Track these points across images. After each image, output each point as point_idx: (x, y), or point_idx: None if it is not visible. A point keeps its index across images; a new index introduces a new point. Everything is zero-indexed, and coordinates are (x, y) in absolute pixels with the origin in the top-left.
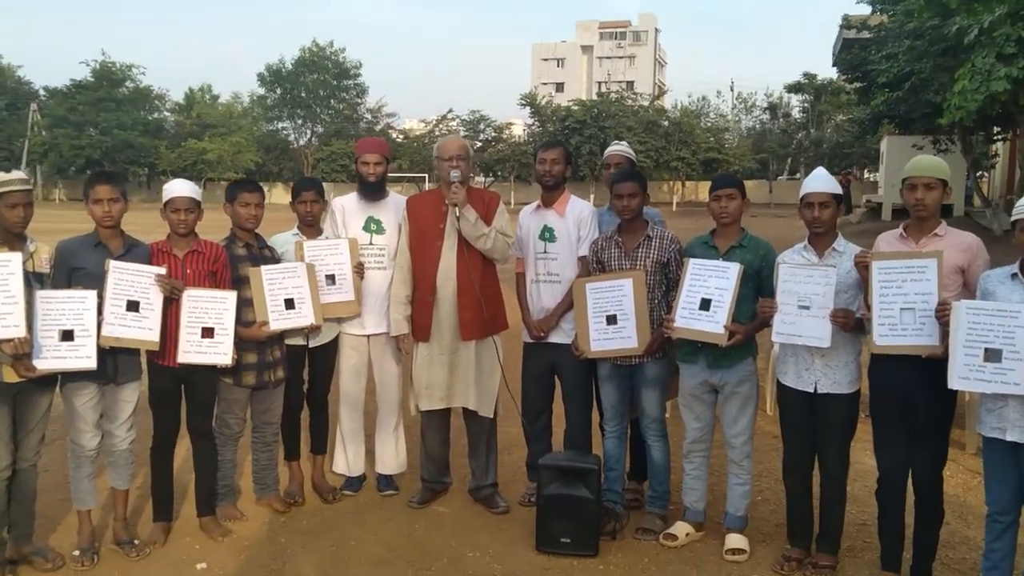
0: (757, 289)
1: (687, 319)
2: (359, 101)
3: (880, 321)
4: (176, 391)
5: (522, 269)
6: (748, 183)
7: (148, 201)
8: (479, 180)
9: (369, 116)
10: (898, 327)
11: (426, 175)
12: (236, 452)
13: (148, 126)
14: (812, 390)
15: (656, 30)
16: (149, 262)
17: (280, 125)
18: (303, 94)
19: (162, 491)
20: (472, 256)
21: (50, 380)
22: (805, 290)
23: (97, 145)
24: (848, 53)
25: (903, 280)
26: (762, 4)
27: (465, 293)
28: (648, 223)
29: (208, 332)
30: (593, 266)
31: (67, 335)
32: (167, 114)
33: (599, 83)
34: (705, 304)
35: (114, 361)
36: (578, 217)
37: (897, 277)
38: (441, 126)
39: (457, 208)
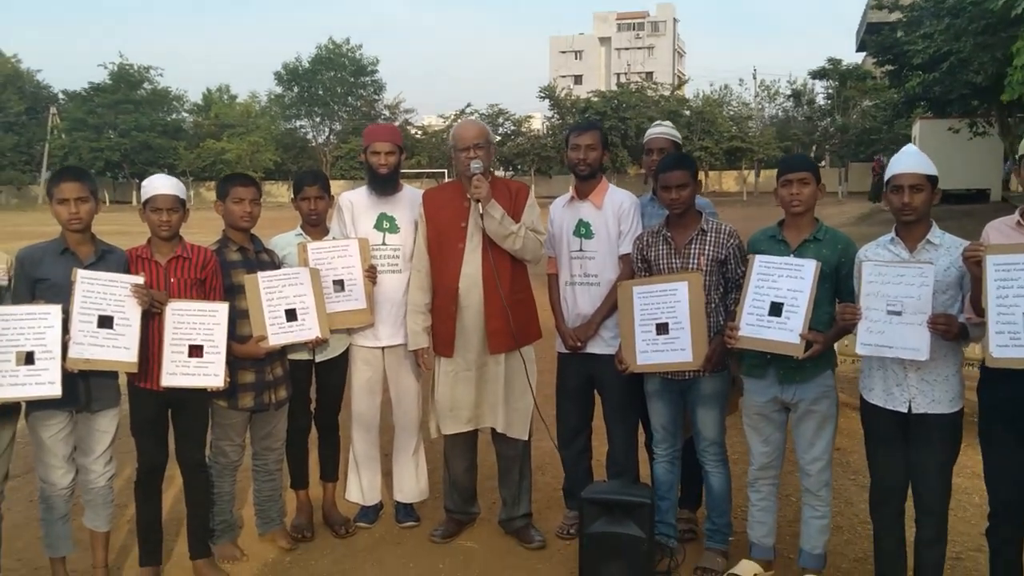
0: (835, 290)
1: (754, 326)
2: (377, 98)
3: (998, 329)
4: (162, 417)
5: (555, 270)
6: (771, 172)
7: None
8: (497, 174)
9: (387, 112)
10: (1021, 336)
11: (445, 171)
12: (235, 483)
13: (167, 127)
14: (906, 410)
15: (675, 20)
16: (127, 270)
17: (298, 123)
18: (320, 92)
19: (149, 532)
20: (499, 258)
21: (11, 408)
22: (896, 292)
23: (116, 147)
24: (877, 35)
25: None
26: None
27: (492, 301)
28: (701, 215)
29: (196, 350)
30: (638, 265)
31: (26, 358)
32: (185, 115)
33: (618, 74)
34: (776, 309)
35: (87, 385)
36: (618, 209)
37: (1019, 275)
38: (459, 121)
39: (480, 204)
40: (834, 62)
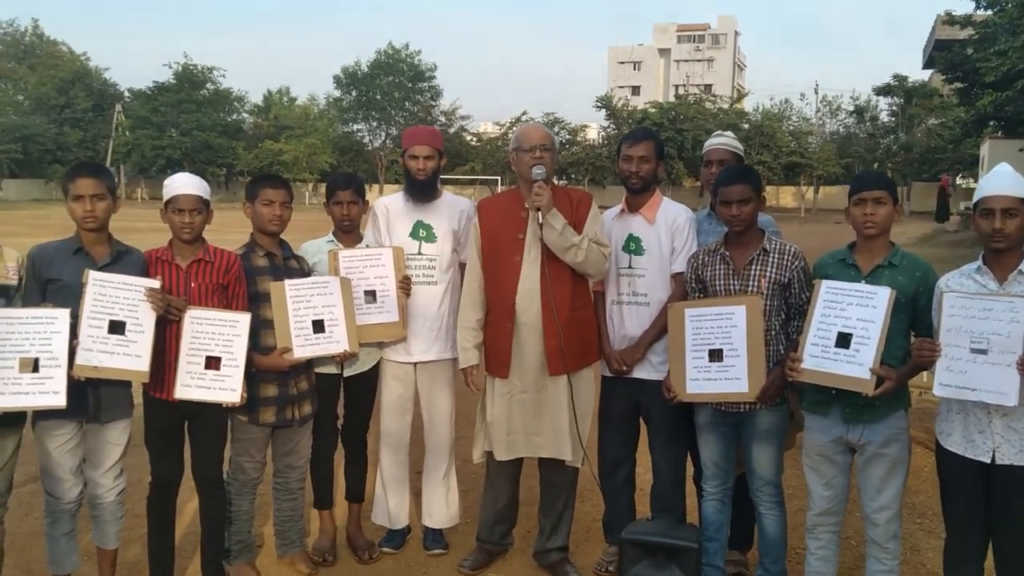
0: (910, 322)
1: (819, 359)
2: (433, 103)
3: None
4: (178, 429)
5: (601, 287)
6: (831, 189)
7: (226, 201)
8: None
9: (443, 118)
10: None
11: (499, 178)
12: (254, 501)
13: (227, 127)
14: (989, 460)
15: (736, 33)
16: (144, 273)
17: (355, 127)
18: (378, 96)
19: (160, 551)
20: (558, 272)
21: (16, 417)
22: (981, 328)
23: (177, 145)
24: (947, 52)
25: None
26: (846, 5)
27: (552, 318)
28: (763, 233)
29: (213, 362)
30: (691, 285)
31: (30, 365)
32: (245, 115)
33: (676, 86)
34: (843, 340)
35: (96, 394)
36: (672, 225)
37: None
38: (515, 129)
39: (541, 213)
40: (900, 78)
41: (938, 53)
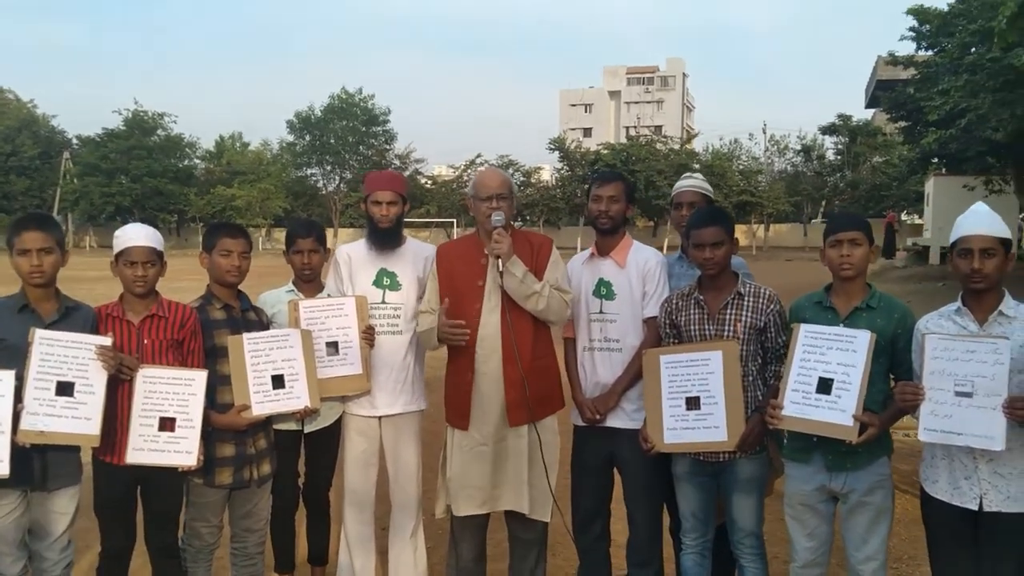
0: (889, 365)
1: (800, 405)
2: (388, 147)
3: None
4: (130, 495)
5: (572, 333)
6: (781, 227)
7: (177, 248)
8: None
9: (397, 162)
10: None
11: (455, 220)
12: (210, 568)
13: (178, 173)
14: (976, 507)
15: (684, 75)
16: (94, 331)
17: (309, 171)
18: (332, 140)
19: None
20: (519, 320)
21: None
22: (965, 370)
23: (127, 192)
24: (890, 92)
25: None
26: (790, 48)
27: (513, 366)
28: (737, 277)
29: (168, 423)
30: (666, 331)
31: None
32: (197, 161)
33: (627, 128)
34: (824, 386)
35: (43, 460)
36: (643, 268)
37: None
38: (470, 171)
39: (500, 261)
40: (844, 118)
41: (881, 92)
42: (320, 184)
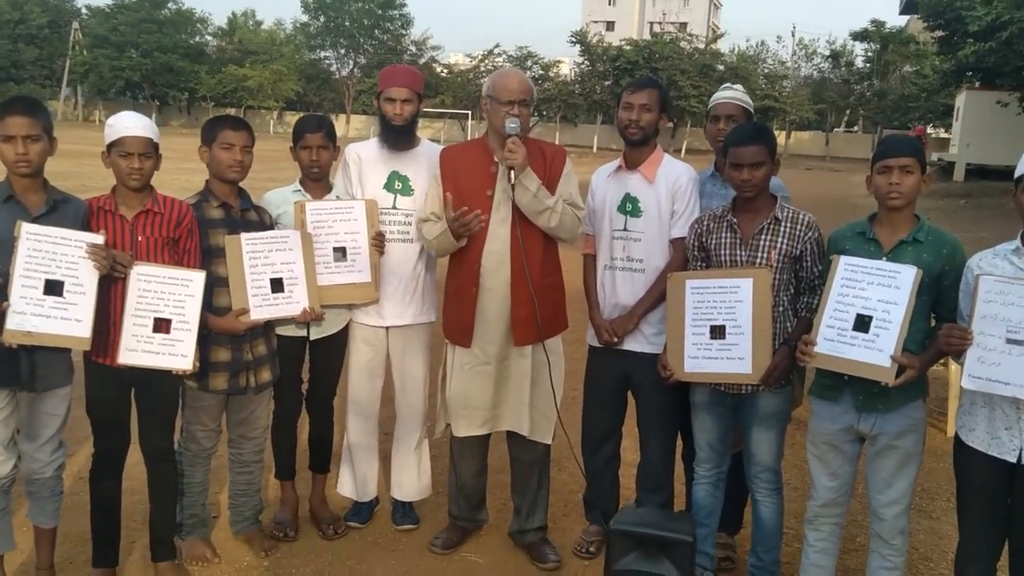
0: (934, 303)
1: (835, 342)
2: (403, 32)
3: None
4: (123, 397)
5: (592, 250)
6: (803, 134)
7: (188, 127)
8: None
9: (413, 48)
10: None
11: (469, 112)
12: (208, 472)
13: (189, 50)
14: (1015, 459)
15: None
16: (86, 225)
17: (323, 54)
18: (347, 23)
19: (104, 528)
20: (529, 235)
21: None
22: (1020, 316)
23: (137, 67)
24: None
25: None
26: None
27: (520, 284)
28: (776, 200)
29: (163, 325)
30: (693, 254)
31: None
32: (209, 38)
33: (651, 23)
34: (862, 323)
35: (31, 361)
36: (673, 185)
37: None
38: (487, 62)
39: (513, 172)
40: (877, 24)
41: None
42: (334, 68)
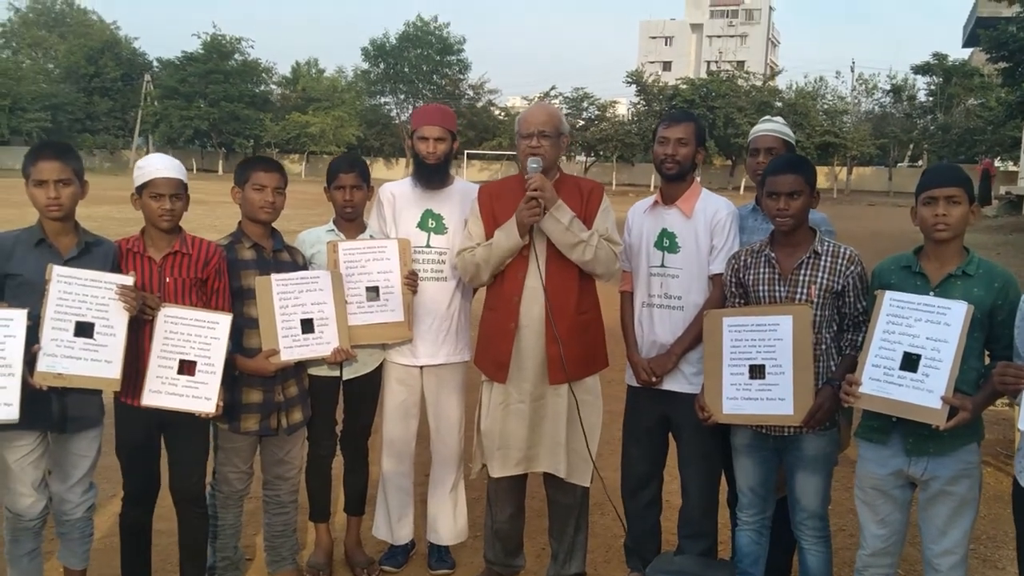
0: (987, 340)
1: (881, 382)
2: (461, 77)
3: None
4: (154, 440)
5: (629, 287)
6: (865, 170)
7: None
8: (579, 160)
9: (471, 92)
10: None
11: None
12: (241, 514)
13: (255, 98)
14: None
15: (770, 8)
16: (116, 267)
17: (383, 100)
18: (406, 69)
19: (134, 570)
20: (564, 271)
21: None
22: None
23: (205, 116)
24: (991, 30)
25: None
26: None
27: (556, 320)
28: (815, 233)
29: (188, 367)
30: (731, 290)
31: None
32: (273, 87)
33: (708, 62)
34: (910, 362)
35: (62, 402)
36: (711, 220)
37: None
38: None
39: (544, 206)
40: (939, 57)
41: (981, 30)
42: (394, 113)
